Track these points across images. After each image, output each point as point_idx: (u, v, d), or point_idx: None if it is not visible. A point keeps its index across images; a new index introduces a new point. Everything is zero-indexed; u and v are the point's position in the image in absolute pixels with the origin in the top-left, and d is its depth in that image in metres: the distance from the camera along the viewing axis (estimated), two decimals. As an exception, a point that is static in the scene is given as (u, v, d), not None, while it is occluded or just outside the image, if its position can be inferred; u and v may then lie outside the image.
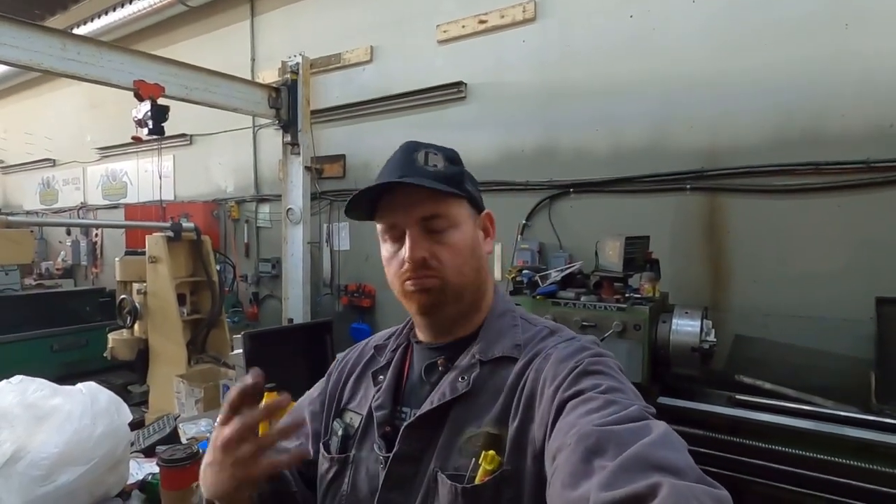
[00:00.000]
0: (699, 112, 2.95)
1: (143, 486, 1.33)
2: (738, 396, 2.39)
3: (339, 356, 0.96)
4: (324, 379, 0.95)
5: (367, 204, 0.80)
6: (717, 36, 2.88)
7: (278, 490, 0.83)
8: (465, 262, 0.78)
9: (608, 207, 3.26)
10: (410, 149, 0.80)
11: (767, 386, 2.56)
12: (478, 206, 0.83)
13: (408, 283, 0.77)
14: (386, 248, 0.81)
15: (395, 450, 0.74)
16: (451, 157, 0.82)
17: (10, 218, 2.91)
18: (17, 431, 1.08)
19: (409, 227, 0.76)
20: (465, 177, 0.82)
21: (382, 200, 0.79)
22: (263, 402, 1.56)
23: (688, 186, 2.98)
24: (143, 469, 1.41)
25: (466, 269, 0.78)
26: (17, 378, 1.18)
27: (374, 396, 0.82)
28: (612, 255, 2.53)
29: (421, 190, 0.75)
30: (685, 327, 2.38)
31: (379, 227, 0.82)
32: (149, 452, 1.55)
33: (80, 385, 1.25)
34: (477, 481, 0.67)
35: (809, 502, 1.99)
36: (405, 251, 0.76)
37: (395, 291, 0.81)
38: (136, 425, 1.70)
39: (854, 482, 1.92)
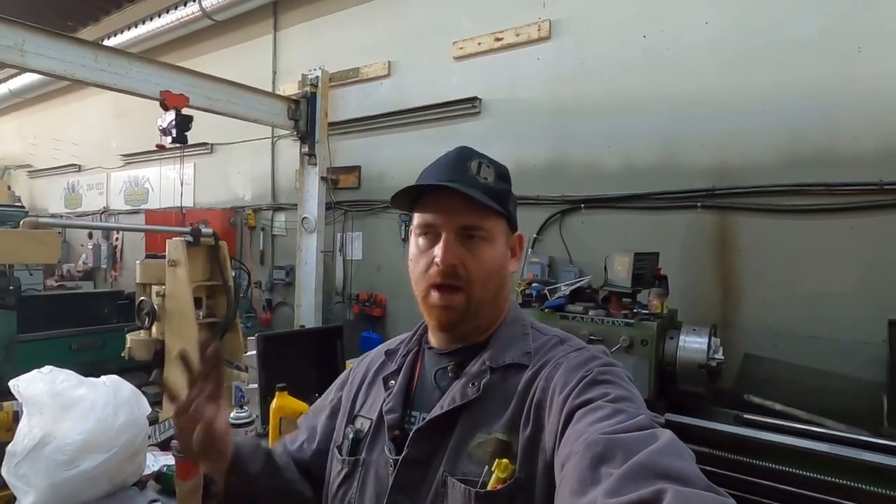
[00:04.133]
0: (711, 130, 2.98)
1: (158, 476, 1.38)
2: (745, 416, 2.37)
3: (353, 365, 0.98)
4: (336, 385, 0.97)
5: (410, 197, 0.80)
6: (729, 55, 2.92)
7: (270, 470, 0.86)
8: (491, 278, 0.79)
9: (619, 223, 3.28)
10: (465, 155, 0.81)
11: (778, 407, 2.54)
12: (513, 227, 0.84)
13: (433, 294, 0.78)
14: (417, 245, 0.81)
15: (404, 453, 0.75)
16: (503, 173, 0.83)
17: (39, 219, 3.02)
18: (46, 418, 1.14)
19: (446, 231, 0.77)
20: (509, 196, 0.83)
21: (426, 197, 0.80)
22: (274, 402, 1.59)
23: (699, 204, 3.00)
24: (158, 461, 1.46)
25: (491, 285, 0.79)
26: (47, 368, 1.25)
27: (384, 400, 0.83)
28: (620, 271, 2.55)
29: (466, 199, 0.75)
30: (693, 344, 2.38)
31: (415, 221, 0.82)
32: (164, 446, 1.60)
33: (103, 377, 1.31)
34: (489, 488, 0.67)
35: (818, 525, 1.96)
36: (438, 253, 0.76)
37: (417, 294, 0.81)
38: (150, 423, 1.75)
39: (864, 506, 1.90)
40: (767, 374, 2.78)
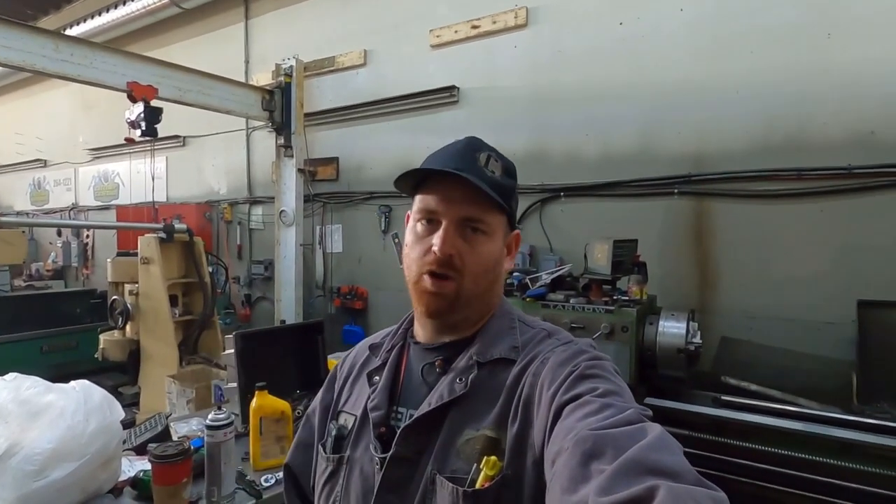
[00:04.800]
0: (687, 117, 3.01)
1: (134, 482, 1.34)
2: (723, 397, 2.43)
3: (338, 362, 0.96)
4: (325, 385, 0.95)
5: (414, 179, 0.79)
6: (705, 42, 2.95)
7: None
8: (485, 273, 0.78)
9: (598, 211, 3.31)
10: (474, 146, 0.79)
11: (753, 387, 2.61)
12: (512, 225, 0.84)
13: (426, 279, 0.76)
14: (415, 230, 0.80)
15: (391, 451, 0.74)
16: (510, 169, 0.82)
17: (2, 219, 2.90)
18: (12, 427, 1.09)
19: (447, 220, 0.76)
20: (514, 193, 0.82)
21: (431, 182, 0.78)
22: (254, 402, 1.56)
23: (675, 191, 3.03)
24: (134, 466, 1.42)
25: (483, 280, 0.78)
26: (12, 375, 1.20)
27: (369, 397, 0.81)
28: (600, 259, 2.57)
29: (473, 189, 0.74)
30: (671, 329, 2.42)
31: (416, 205, 0.80)
32: (140, 450, 1.56)
33: (73, 383, 1.26)
34: (478, 486, 0.67)
35: (793, 501, 2.03)
36: (436, 241, 0.75)
37: (409, 279, 0.80)
38: (127, 425, 1.71)
39: (836, 481, 1.97)
40: (744, 356, 2.85)
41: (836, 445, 2.01)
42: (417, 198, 0.80)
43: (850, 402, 2.34)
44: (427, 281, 0.76)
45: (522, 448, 0.68)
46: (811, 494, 2.00)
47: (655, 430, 0.55)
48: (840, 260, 2.63)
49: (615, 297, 2.56)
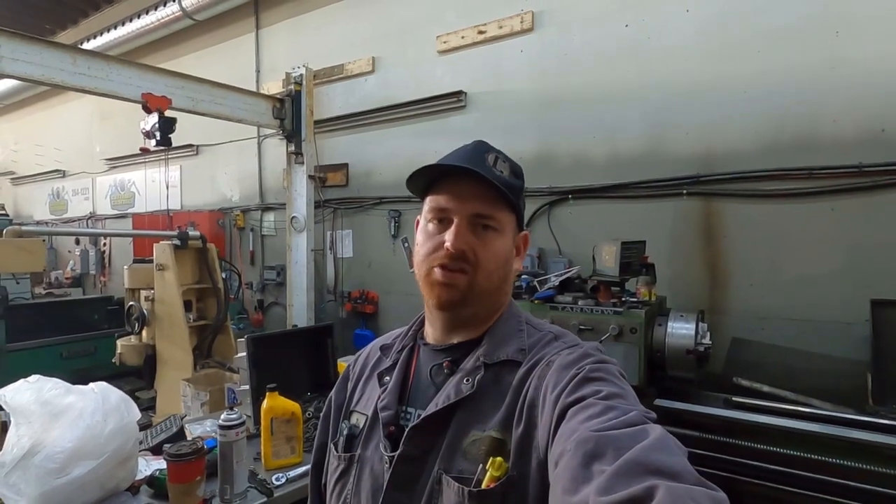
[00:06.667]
0: (694, 118, 3.00)
1: (150, 481, 1.38)
2: (734, 398, 2.41)
3: (350, 363, 0.98)
4: (338, 385, 0.97)
5: (425, 180, 0.81)
6: (711, 43, 2.94)
7: None
8: (497, 269, 0.80)
9: (607, 213, 3.30)
10: (482, 148, 0.81)
11: (765, 388, 2.58)
12: (520, 225, 0.85)
13: (437, 270, 0.78)
14: (426, 229, 0.81)
15: (399, 450, 0.75)
16: (517, 171, 0.84)
17: (22, 227, 2.99)
18: (34, 427, 1.14)
19: (458, 217, 0.77)
20: (521, 193, 0.84)
21: (442, 182, 0.80)
22: (264, 403, 1.60)
23: (684, 192, 3.02)
24: (151, 466, 1.46)
25: (495, 276, 0.80)
26: (34, 377, 1.24)
27: (379, 397, 0.83)
28: (608, 260, 2.57)
29: (483, 187, 0.76)
30: (680, 330, 2.41)
31: (427, 205, 0.82)
32: (157, 451, 1.60)
33: (92, 384, 1.31)
34: (483, 486, 0.68)
35: (806, 503, 2.01)
36: (448, 238, 0.76)
37: (420, 274, 0.81)
38: (143, 428, 1.75)
39: (851, 482, 1.95)
40: (755, 357, 2.82)
41: (850, 446, 1.99)
42: (428, 199, 0.82)
43: (864, 402, 2.31)
44: (438, 273, 0.78)
45: (527, 449, 0.69)
46: (825, 496, 1.98)
47: (657, 431, 0.56)
48: (852, 259, 2.60)
49: (623, 299, 2.55)
